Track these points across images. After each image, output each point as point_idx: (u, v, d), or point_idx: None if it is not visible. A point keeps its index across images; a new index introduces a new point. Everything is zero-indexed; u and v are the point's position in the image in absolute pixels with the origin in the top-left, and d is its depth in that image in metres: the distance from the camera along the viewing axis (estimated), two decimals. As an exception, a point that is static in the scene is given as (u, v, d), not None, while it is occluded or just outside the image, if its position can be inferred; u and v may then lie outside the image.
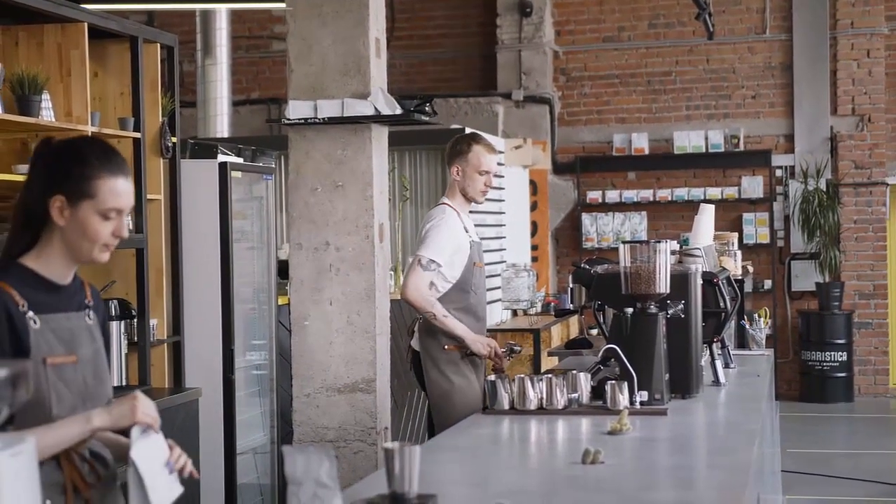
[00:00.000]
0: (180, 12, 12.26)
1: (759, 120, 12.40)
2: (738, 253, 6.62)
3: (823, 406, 11.65)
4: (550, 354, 7.32)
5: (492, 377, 4.18)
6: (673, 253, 4.77)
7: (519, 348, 5.35)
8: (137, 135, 5.84)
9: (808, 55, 12.22)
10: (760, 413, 4.24)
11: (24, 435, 2.53)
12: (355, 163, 5.03)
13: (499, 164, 8.30)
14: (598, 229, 12.47)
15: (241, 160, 6.89)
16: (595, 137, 12.70)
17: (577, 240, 12.53)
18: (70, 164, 2.67)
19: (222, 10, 10.92)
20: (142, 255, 5.85)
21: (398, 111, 4.96)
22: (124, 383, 5.61)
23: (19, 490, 1.72)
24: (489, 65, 12.83)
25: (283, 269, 6.45)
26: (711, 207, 5.99)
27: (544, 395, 4.04)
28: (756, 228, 12.21)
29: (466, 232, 5.28)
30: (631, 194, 12.41)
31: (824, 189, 11.98)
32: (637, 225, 12.42)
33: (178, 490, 2.70)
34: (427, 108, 5.15)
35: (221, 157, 6.50)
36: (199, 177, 6.28)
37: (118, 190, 2.68)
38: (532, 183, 11.83)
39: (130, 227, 5.40)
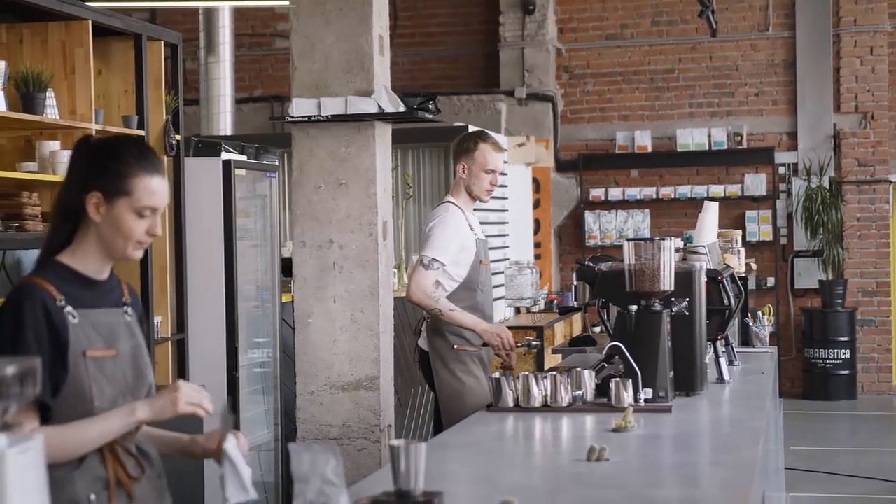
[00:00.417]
0: (183, 10, 12.26)
1: (763, 117, 12.39)
2: (742, 250, 6.62)
3: (826, 403, 11.65)
4: (554, 352, 7.32)
5: (496, 374, 4.18)
6: (677, 250, 4.77)
7: (536, 343, 5.30)
8: (141, 132, 5.84)
9: (812, 52, 12.21)
10: (765, 410, 4.24)
11: (34, 432, 2.57)
12: (359, 160, 5.02)
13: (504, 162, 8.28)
14: (601, 227, 12.47)
15: (244, 158, 6.90)
16: (598, 135, 12.70)
17: (579, 237, 12.53)
18: (107, 162, 2.71)
19: (225, 7, 10.91)
20: (146, 253, 5.83)
21: (402, 109, 4.96)
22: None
23: (26, 487, 1.72)
24: (492, 62, 12.82)
25: (286, 267, 6.46)
26: (715, 205, 5.99)
27: (549, 393, 4.04)
28: (759, 226, 12.21)
29: (472, 230, 5.25)
30: (634, 192, 12.41)
31: (827, 186, 11.97)
32: (640, 222, 12.41)
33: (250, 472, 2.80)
34: (431, 106, 5.15)
35: (225, 155, 6.51)
36: (202, 175, 6.28)
37: (153, 188, 2.73)
38: (535, 180, 11.83)
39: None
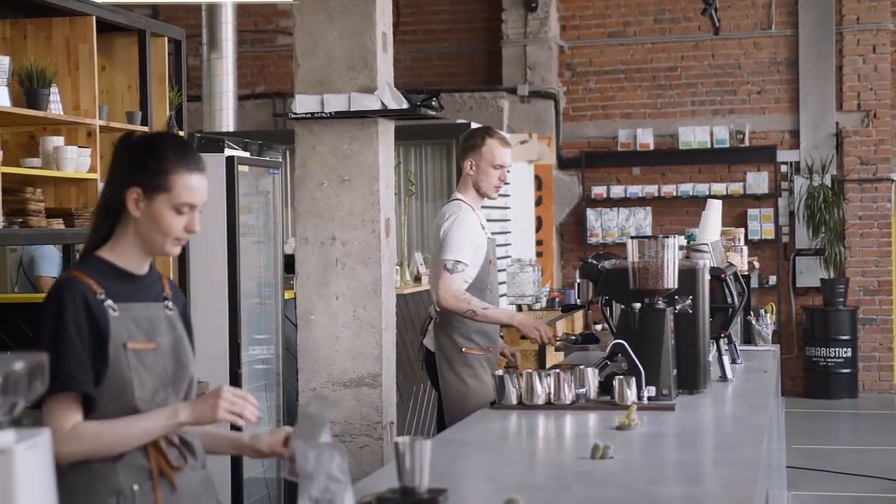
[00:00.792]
0: (186, 6, 12.26)
1: (765, 116, 12.39)
2: (745, 248, 6.62)
3: (828, 402, 11.65)
4: (557, 350, 7.32)
5: (500, 372, 4.18)
6: (680, 248, 4.77)
7: (574, 337, 5.19)
8: (145, 128, 5.84)
9: (814, 51, 12.20)
10: (768, 409, 4.24)
11: (76, 427, 2.58)
12: (362, 157, 5.02)
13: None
14: (603, 225, 12.46)
15: (247, 154, 6.89)
16: (600, 133, 12.70)
17: (581, 235, 12.53)
18: (147, 158, 2.73)
19: (228, 4, 10.92)
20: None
21: (405, 106, 4.96)
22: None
23: (34, 483, 1.72)
24: (494, 60, 12.82)
25: (289, 264, 6.45)
26: (719, 203, 5.99)
27: (552, 391, 4.04)
28: (761, 224, 12.20)
29: (483, 228, 5.16)
30: (636, 190, 12.40)
31: (829, 185, 11.97)
32: (642, 220, 12.41)
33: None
34: (434, 103, 5.15)
35: (228, 152, 6.50)
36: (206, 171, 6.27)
37: (192, 185, 2.76)
38: (537, 178, 11.82)
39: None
